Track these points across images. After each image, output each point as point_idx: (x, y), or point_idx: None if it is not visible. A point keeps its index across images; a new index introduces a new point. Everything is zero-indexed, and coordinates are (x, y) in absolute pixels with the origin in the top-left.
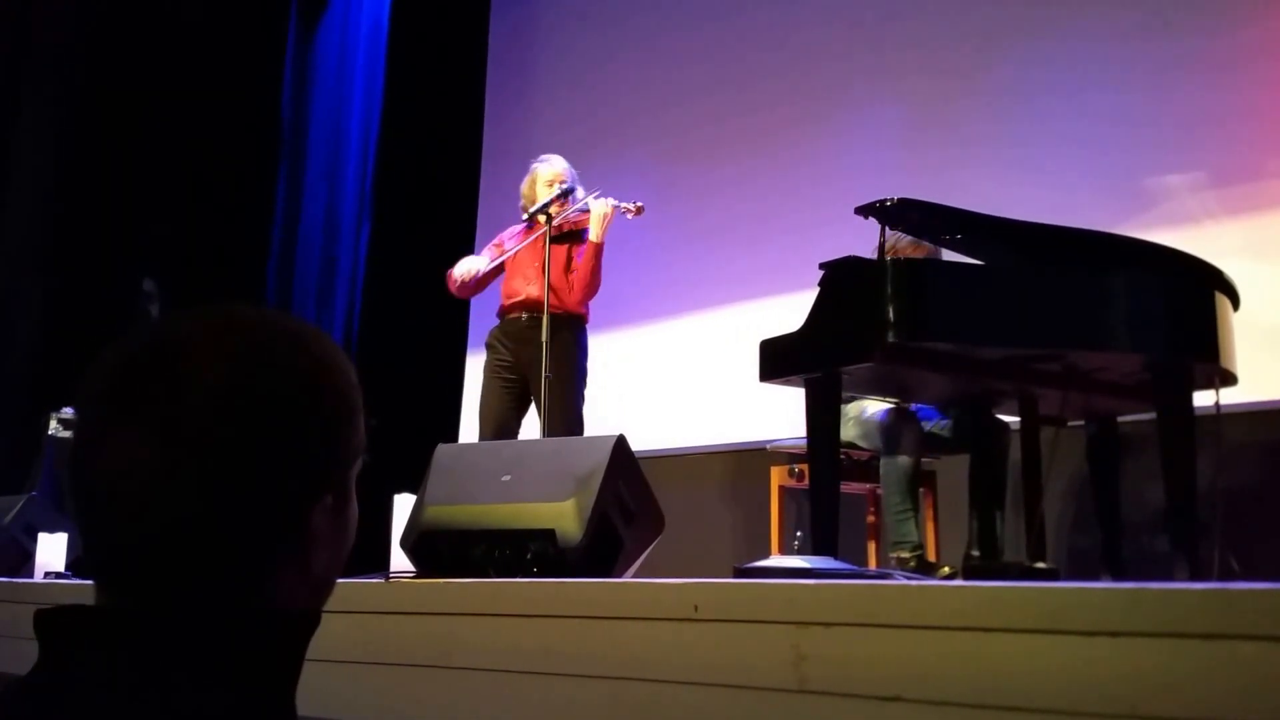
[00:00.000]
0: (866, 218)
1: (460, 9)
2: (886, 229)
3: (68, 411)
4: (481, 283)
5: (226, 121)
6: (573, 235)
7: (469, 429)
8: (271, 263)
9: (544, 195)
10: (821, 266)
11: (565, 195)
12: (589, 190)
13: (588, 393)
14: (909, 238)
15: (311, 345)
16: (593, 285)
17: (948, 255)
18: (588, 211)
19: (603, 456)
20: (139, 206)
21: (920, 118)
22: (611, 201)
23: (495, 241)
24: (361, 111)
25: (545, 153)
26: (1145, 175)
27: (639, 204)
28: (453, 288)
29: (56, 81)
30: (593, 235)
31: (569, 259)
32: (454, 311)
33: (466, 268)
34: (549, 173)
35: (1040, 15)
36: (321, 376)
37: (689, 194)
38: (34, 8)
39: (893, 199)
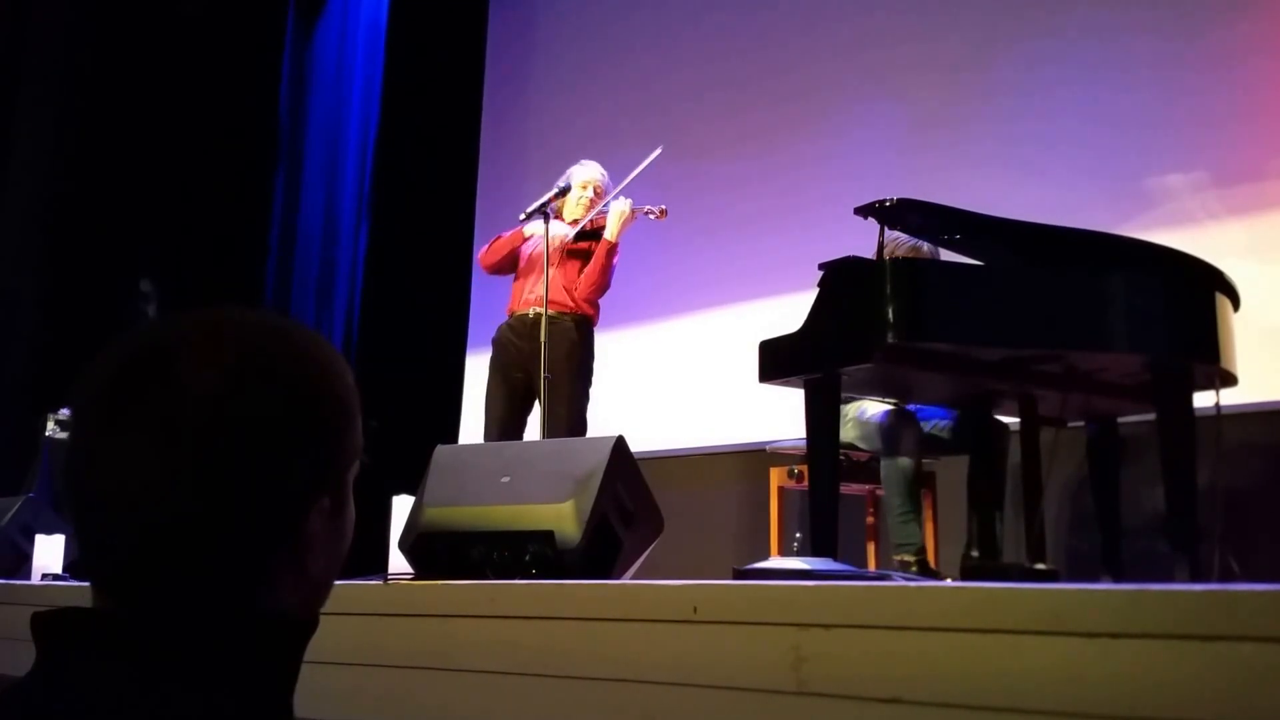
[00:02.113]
0: (866, 218)
1: (458, 9)
2: (886, 230)
3: (65, 413)
4: (511, 254)
5: (224, 121)
6: (594, 235)
7: (468, 430)
8: (270, 263)
9: (574, 195)
10: (821, 267)
11: (562, 194)
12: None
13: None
14: (908, 241)
15: (308, 348)
16: (600, 284)
17: (945, 255)
18: (604, 216)
19: (601, 458)
20: (137, 207)
21: (920, 118)
22: (630, 202)
23: (519, 229)
24: (360, 111)
25: (542, 152)
26: (1146, 175)
27: (662, 207)
28: (485, 262)
29: (53, 81)
30: (608, 233)
31: (586, 259)
32: (454, 312)
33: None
34: (583, 177)
35: (1041, 15)
36: (318, 379)
37: (687, 194)
38: (31, 7)
39: (892, 199)
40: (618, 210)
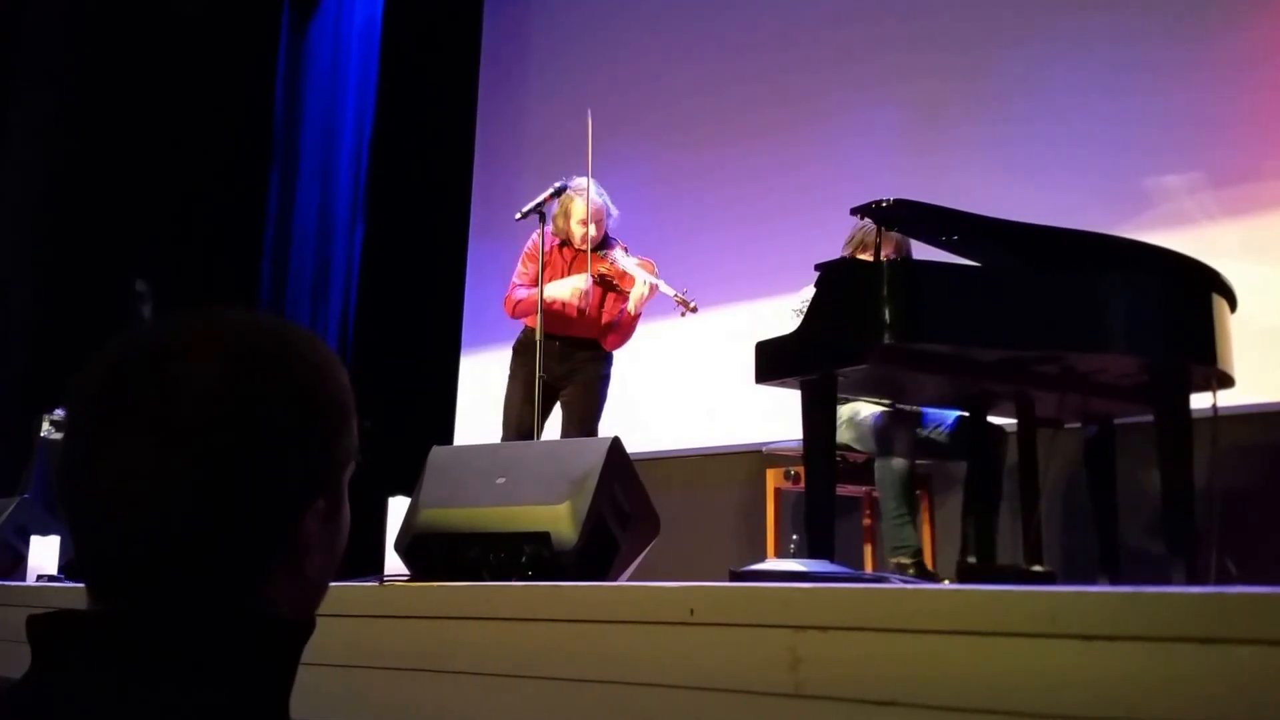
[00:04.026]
0: (862, 219)
1: (453, 7)
2: (881, 229)
3: (60, 413)
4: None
5: (219, 120)
6: (610, 284)
7: (464, 431)
8: (265, 263)
9: (578, 232)
10: (818, 268)
11: (557, 194)
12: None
13: None
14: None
15: (304, 348)
16: (624, 343)
17: (937, 254)
18: (629, 279)
19: (597, 459)
20: (131, 206)
21: (919, 120)
22: (652, 283)
23: (529, 251)
24: (354, 110)
25: (537, 150)
26: (1143, 177)
27: (694, 305)
28: (509, 307)
29: (47, 80)
30: (630, 308)
31: (604, 298)
32: (449, 311)
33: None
34: (582, 211)
35: (1038, 19)
36: (314, 380)
37: (683, 195)
38: (25, 6)
39: (888, 200)
40: (639, 293)
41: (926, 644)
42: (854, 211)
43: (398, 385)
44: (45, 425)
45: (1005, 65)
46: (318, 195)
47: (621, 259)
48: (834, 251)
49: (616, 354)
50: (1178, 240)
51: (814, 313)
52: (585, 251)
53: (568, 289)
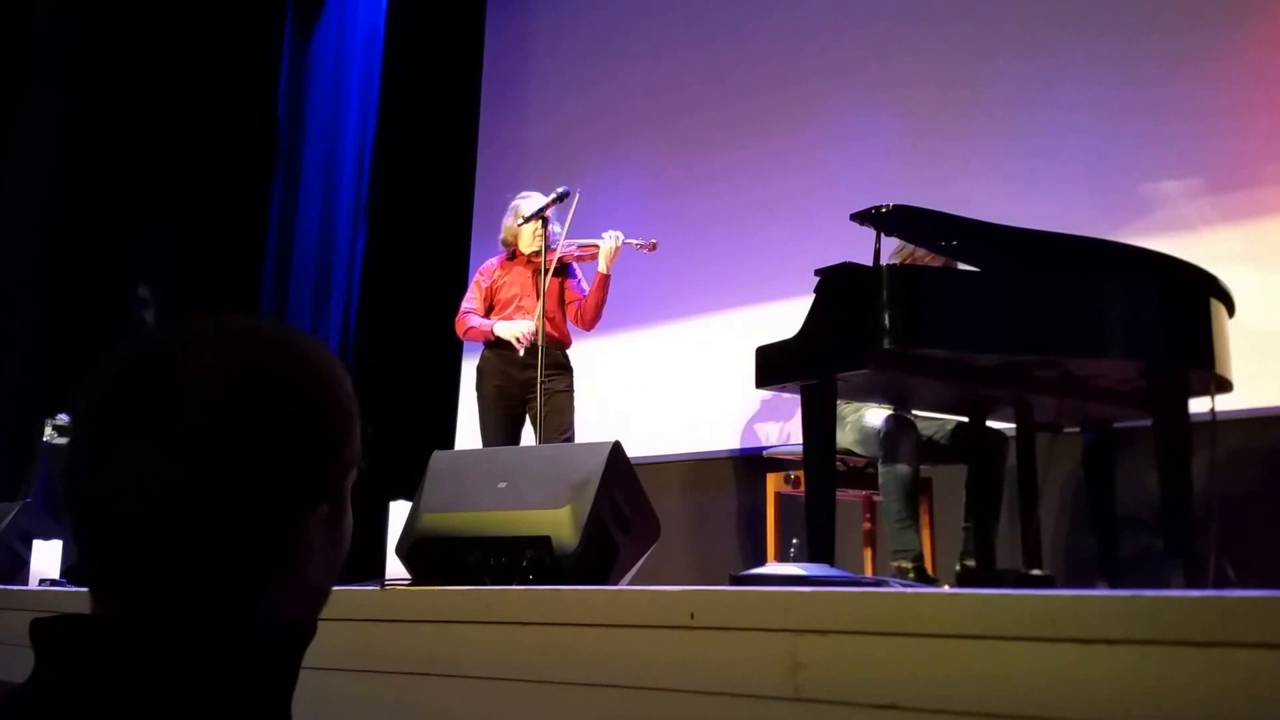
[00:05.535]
0: (862, 224)
1: (456, 13)
2: (888, 238)
3: (63, 418)
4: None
5: (222, 126)
6: (562, 269)
7: (465, 436)
8: (267, 269)
9: (527, 230)
10: (817, 273)
11: (560, 199)
12: (563, 219)
13: (583, 398)
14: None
15: (307, 354)
16: (599, 315)
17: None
18: (593, 246)
19: (598, 463)
20: (134, 212)
21: (919, 127)
22: (619, 236)
23: (477, 278)
24: (357, 117)
25: (540, 157)
26: (1141, 182)
27: (653, 241)
28: (460, 330)
29: (51, 86)
30: (601, 267)
31: (562, 291)
32: (449, 318)
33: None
34: (531, 209)
35: (1038, 27)
36: (317, 385)
37: (684, 200)
38: (29, 12)
39: (887, 205)
40: (608, 247)
41: (926, 647)
42: (854, 217)
43: (399, 390)
44: (48, 430)
45: (1005, 72)
46: (320, 201)
47: (576, 240)
48: (835, 257)
49: (616, 356)
50: (1176, 245)
51: (814, 317)
52: (531, 253)
53: (515, 330)
